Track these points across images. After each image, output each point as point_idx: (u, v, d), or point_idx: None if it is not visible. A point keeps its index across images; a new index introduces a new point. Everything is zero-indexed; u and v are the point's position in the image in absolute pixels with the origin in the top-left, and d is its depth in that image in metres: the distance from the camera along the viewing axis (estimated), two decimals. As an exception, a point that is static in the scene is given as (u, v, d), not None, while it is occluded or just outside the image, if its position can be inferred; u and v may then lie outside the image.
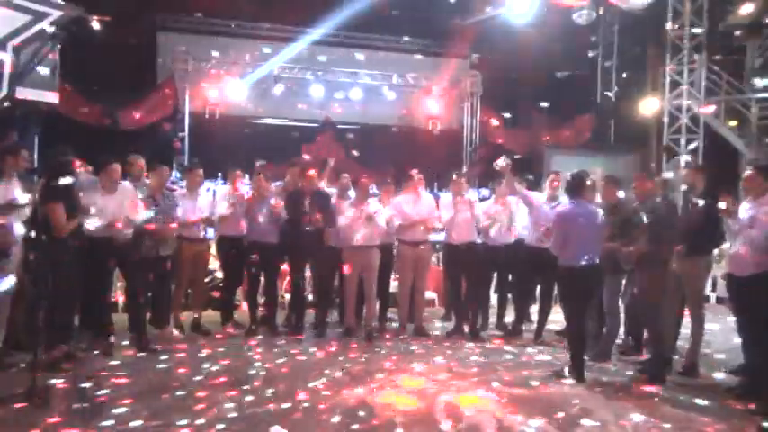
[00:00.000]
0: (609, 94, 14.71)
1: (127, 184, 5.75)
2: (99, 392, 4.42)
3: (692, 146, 11.74)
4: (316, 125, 13.41)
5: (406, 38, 13.82)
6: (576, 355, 5.11)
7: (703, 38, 11.69)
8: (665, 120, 11.99)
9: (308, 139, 12.92)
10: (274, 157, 9.98)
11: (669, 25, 11.81)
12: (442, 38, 13.90)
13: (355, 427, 3.91)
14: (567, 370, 5.10)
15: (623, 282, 5.99)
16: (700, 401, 4.60)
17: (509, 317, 7.03)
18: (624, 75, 14.56)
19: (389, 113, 13.98)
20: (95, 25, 7.52)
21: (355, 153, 12.24)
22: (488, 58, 14.17)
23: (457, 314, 6.87)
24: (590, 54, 14.76)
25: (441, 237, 6.99)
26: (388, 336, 6.58)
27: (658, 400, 4.62)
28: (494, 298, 7.32)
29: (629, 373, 5.37)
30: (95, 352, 5.44)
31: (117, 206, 5.48)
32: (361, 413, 4.14)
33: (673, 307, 5.54)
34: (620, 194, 5.87)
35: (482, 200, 7.39)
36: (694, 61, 11.76)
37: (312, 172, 6.51)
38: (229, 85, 12.42)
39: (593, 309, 5.49)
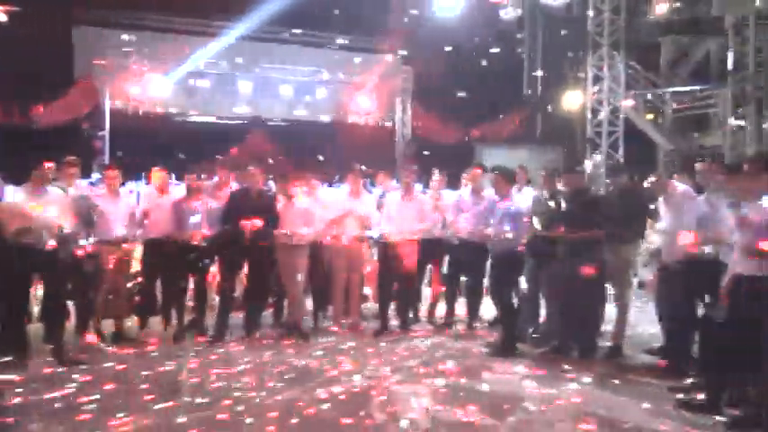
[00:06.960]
0: (530, 91, 15.09)
1: (55, 188, 5.42)
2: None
3: (611, 138, 12.25)
4: (244, 122, 13.12)
5: (334, 34, 13.69)
6: None
7: (621, 34, 12.18)
8: (588, 113, 12.43)
9: (237, 137, 12.62)
10: (202, 156, 9.66)
11: (590, 21, 12.24)
12: (372, 34, 13.86)
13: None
14: None
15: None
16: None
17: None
18: (549, 70, 14.97)
19: (320, 110, 13.85)
20: (1, 17, 7.09)
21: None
22: (419, 54, 14.26)
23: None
24: (518, 50, 15.10)
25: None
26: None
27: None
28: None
29: None
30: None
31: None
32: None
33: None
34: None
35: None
36: (613, 57, 12.24)
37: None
38: (153, 81, 11.95)
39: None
